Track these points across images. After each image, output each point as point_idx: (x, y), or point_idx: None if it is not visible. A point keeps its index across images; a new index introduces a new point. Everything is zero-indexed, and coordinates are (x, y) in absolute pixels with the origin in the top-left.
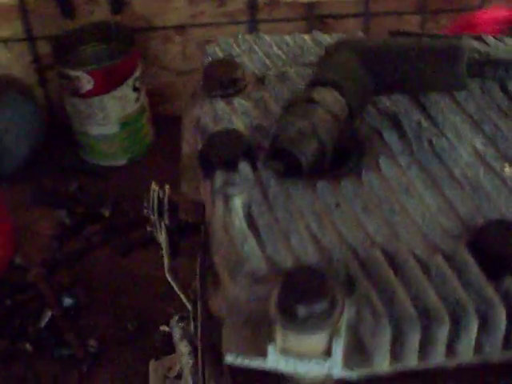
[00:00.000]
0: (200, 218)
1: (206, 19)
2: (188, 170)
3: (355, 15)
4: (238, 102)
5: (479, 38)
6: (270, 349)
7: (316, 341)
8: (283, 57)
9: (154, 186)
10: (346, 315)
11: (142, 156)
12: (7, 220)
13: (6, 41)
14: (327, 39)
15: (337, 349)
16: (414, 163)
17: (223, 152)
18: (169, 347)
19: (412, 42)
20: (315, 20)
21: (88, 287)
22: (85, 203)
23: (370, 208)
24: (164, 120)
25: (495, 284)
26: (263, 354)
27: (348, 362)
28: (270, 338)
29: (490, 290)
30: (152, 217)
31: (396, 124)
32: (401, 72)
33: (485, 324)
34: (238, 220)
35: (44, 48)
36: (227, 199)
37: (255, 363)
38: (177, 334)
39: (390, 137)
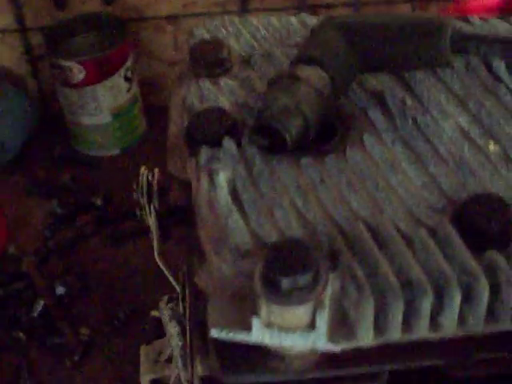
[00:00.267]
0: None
1: (198, 9)
2: (174, 149)
3: (346, 4)
4: (224, 81)
5: (465, 19)
6: (255, 322)
7: (300, 314)
8: (270, 38)
9: (144, 170)
10: (330, 288)
11: (135, 146)
12: None
13: None
14: (314, 21)
15: (321, 322)
16: (398, 140)
17: (208, 129)
18: (160, 332)
19: (396, 19)
20: (307, 10)
21: (80, 276)
22: (77, 193)
23: (354, 184)
24: (156, 110)
25: (478, 257)
26: (248, 327)
27: (332, 335)
28: (255, 312)
29: (472, 263)
30: (141, 200)
31: (381, 102)
32: (385, 49)
33: (468, 296)
34: (223, 195)
35: (36, 39)
36: (212, 175)
37: (240, 337)
38: (166, 315)
39: (375, 114)
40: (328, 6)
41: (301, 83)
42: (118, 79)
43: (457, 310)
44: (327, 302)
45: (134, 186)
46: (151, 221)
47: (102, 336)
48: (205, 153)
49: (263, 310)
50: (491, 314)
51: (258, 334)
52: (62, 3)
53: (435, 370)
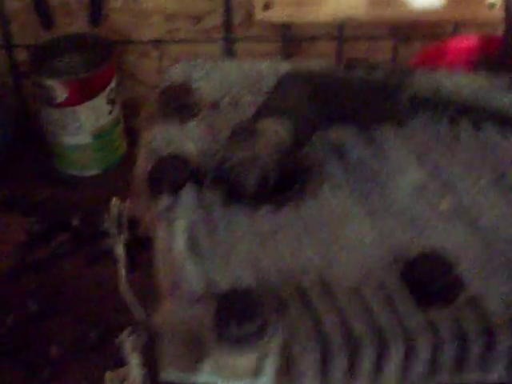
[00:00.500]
0: None
1: (183, 35)
2: (138, 192)
3: (329, 38)
4: (191, 126)
5: (432, 72)
6: (205, 366)
7: (247, 361)
8: (239, 84)
9: (115, 201)
10: (277, 338)
11: (115, 167)
12: None
13: None
14: (286, 67)
15: (268, 369)
16: (354, 193)
17: (169, 176)
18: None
19: (359, 76)
20: (290, 41)
21: (54, 294)
22: (55, 212)
23: (308, 235)
24: (138, 132)
25: (423, 313)
26: (198, 371)
27: (278, 383)
28: (205, 356)
29: (416, 319)
30: (111, 230)
31: (340, 154)
32: (347, 104)
33: (411, 352)
34: (180, 242)
35: (22, 56)
36: (170, 222)
37: (190, 380)
38: (127, 346)
39: (333, 167)
40: (310, 39)
41: (260, 135)
42: (100, 101)
43: (399, 365)
44: (274, 350)
45: (105, 216)
46: (119, 251)
47: (73, 355)
48: (164, 200)
49: (213, 355)
50: (433, 369)
51: (208, 379)
52: (49, 22)
53: None
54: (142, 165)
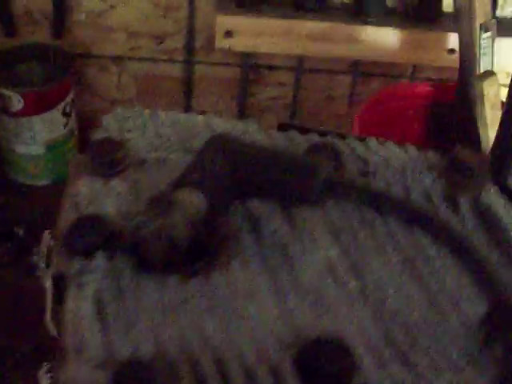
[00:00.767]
0: None
1: (144, 54)
2: (57, 246)
3: (289, 69)
4: (116, 183)
5: (363, 141)
6: None
7: None
8: (172, 138)
9: (47, 234)
10: None
11: (65, 179)
12: None
13: None
14: (219, 125)
15: None
16: (264, 268)
17: (83, 239)
18: None
19: (279, 153)
20: (249, 68)
21: None
22: (1, 220)
23: (213, 309)
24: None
25: None
26: None
27: None
28: None
29: None
30: (40, 263)
31: (255, 227)
32: (264, 177)
33: None
34: (87, 308)
35: None
36: (80, 286)
37: None
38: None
39: (247, 239)
40: (270, 68)
41: (176, 206)
42: (56, 113)
43: None
44: None
45: (35, 249)
46: (47, 284)
47: (4, 371)
48: (76, 264)
49: None
50: None
51: None
52: (12, 30)
53: None
54: (62, 221)
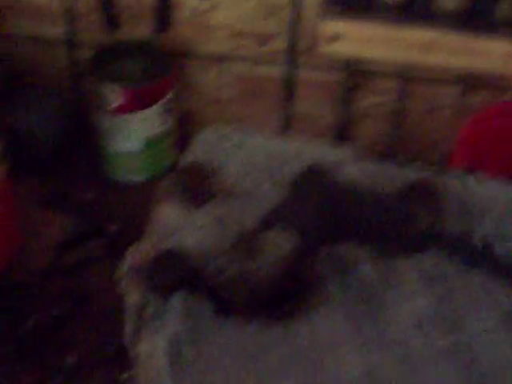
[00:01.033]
0: None
1: (246, 54)
2: (136, 278)
3: (392, 76)
4: (200, 215)
5: (464, 177)
6: None
7: None
8: (262, 167)
9: (131, 249)
10: None
11: (161, 175)
12: (14, 218)
13: (47, 41)
14: (312, 152)
15: None
16: (348, 318)
17: (162, 276)
18: None
19: (377, 194)
20: (352, 74)
21: (79, 300)
22: (94, 215)
23: (294, 360)
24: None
25: None
26: None
27: None
28: None
29: None
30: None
31: (345, 273)
32: (359, 220)
33: None
34: (162, 356)
35: (82, 55)
36: (155, 331)
37: None
38: None
39: (334, 286)
40: (373, 74)
41: (262, 250)
42: (155, 111)
43: None
44: None
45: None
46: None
47: (88, 365)
48: (153, 305)
49: None
50: None
51: None
52: (115, 23)
53: None
54: (143, 252)
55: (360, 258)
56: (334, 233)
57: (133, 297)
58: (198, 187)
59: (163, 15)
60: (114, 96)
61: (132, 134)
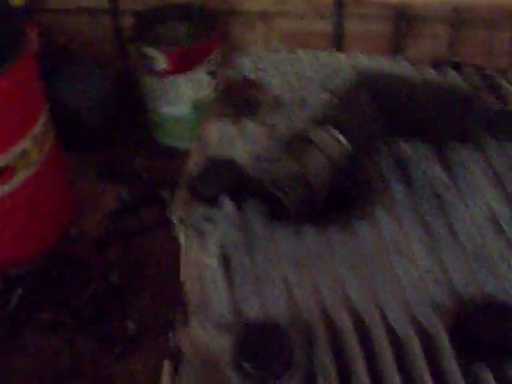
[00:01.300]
0: None
1: (292, 9)
2: (181, 191)
3: (444, 21)
4: (248, 125)
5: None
6: None
7: None
8: (311, 79)
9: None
10: (299, 378)
11: None
12: (67, 189)
13: (90, 11)
14: (364, 62)
15: None
16: (414, 217)
17: (208, 184)
18: None
19: (428, 87)
20: (402, 22)
21: (136, 268)
22: (147, 183)
23: (354, 263)
24: None
25: (466, 371)
26: None
27: None
28: None
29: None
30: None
31: (404, 171)
32: (416, 115)
33: None
34: (211, 260)
35: (127, 22)
36: (202, 235)
37: None
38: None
39: (394, 184)
40: (424, 20)
41: (313, 149)
42: (201, 72)
43: None
44: None
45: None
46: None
47: (147, 332)
48: (199, 210)
49: None
50: None
51: None
52: None
53: None
54: (189, 165)
55: (421, 156)
56: (389, 132)
57: (183, 207)
58: (245, 98)
59: None
60: (160, 59)
61: (179, 97)
